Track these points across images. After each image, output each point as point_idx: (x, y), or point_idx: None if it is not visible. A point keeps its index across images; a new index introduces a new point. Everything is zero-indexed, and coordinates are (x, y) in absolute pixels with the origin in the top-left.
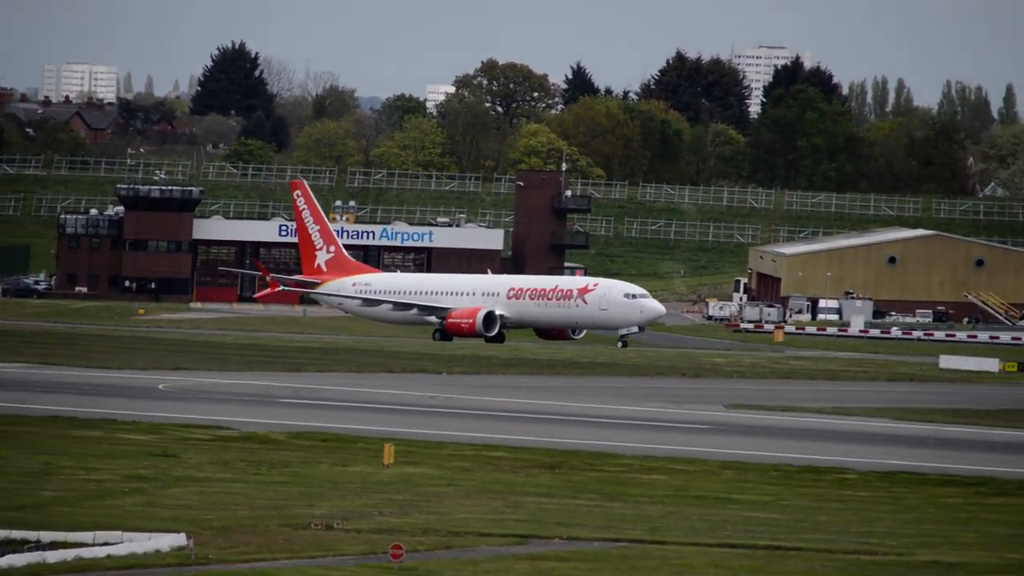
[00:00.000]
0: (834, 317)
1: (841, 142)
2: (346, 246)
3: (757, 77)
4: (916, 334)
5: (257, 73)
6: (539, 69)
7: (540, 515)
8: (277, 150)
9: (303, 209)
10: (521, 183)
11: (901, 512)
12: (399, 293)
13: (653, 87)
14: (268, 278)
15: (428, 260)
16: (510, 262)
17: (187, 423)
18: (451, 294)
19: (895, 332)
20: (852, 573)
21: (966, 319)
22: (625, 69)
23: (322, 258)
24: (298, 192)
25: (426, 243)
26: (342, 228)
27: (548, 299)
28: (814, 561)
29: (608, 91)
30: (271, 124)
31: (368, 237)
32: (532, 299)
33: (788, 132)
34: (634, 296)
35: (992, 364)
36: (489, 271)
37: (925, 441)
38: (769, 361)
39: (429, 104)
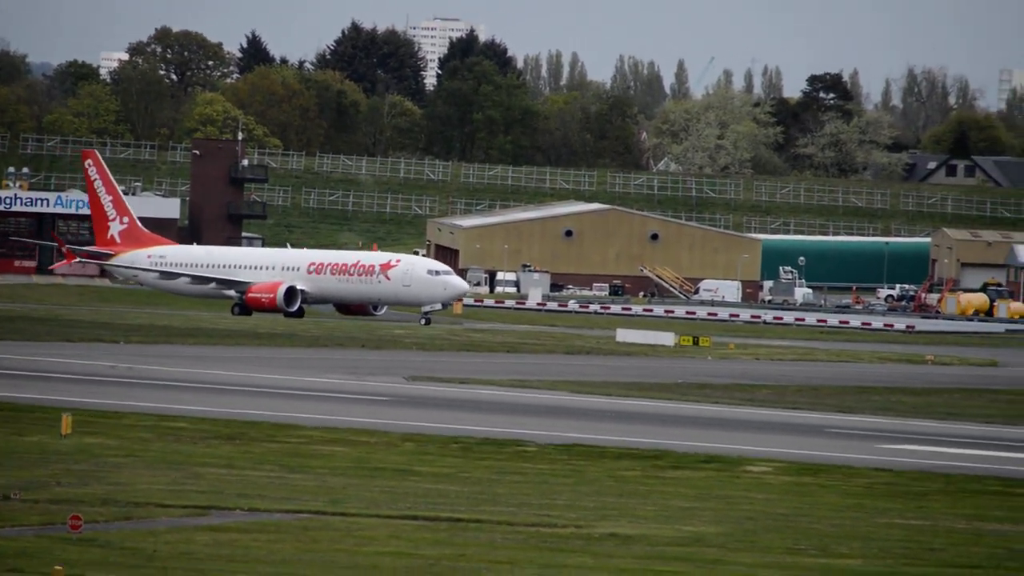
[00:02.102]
0: (512, 290)
1: (517, 115)
2: (20, 214)
3: (432, 49)
4: (593, 307)
5: None
6: (213, 37)
7: (221, 486)
8: None
9: (95, 179)
10: (197, 152)
11: (580, 484)
12: (196, 266)
13: (329, 57)
14: (64, 249)
15: None
16: (187, 232)
17: None
18: (250, 268)
19: (572, 305)
20: (532, 545)
21: (642, 293)
22: (301, 39)
23: (115, 229)
24: (89, 162)
25: None
26: (15, 195)
27: (349, 274)
28: (495, 533)
29: (284, 60)
30: None
31: (43, 204)
32: (333, 274)
33: (464, 105)
34: (437, 272)
35: (668, 338)
36: (289, 245)
37: (603, 414)
38: (448, 333)
39: (103, 71)
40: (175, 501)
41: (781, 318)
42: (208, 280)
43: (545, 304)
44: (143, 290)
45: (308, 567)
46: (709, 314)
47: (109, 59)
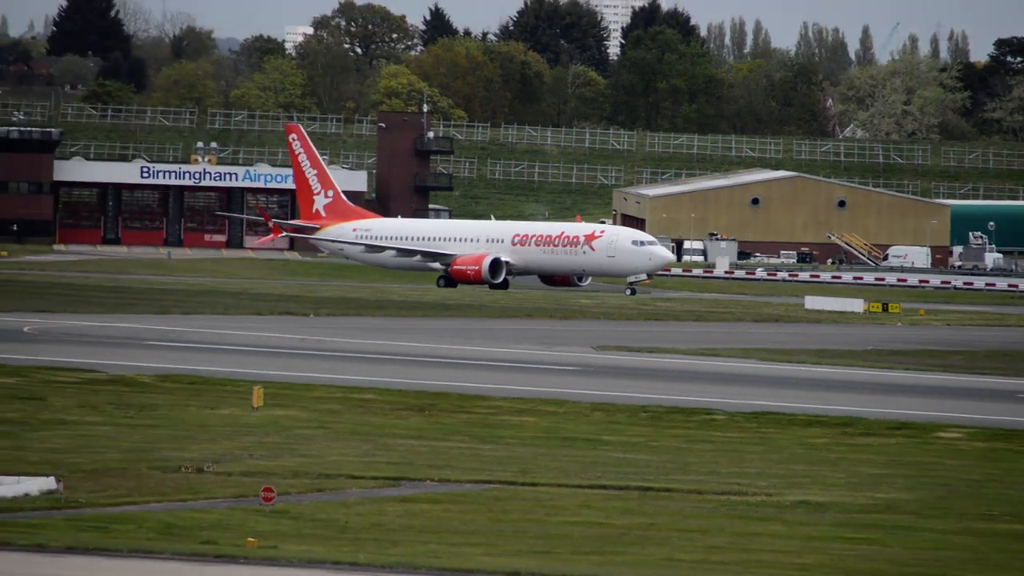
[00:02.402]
0: (699, 259)
1: (701, 84)
2: (209, 188)
3: (615, 19)
4: (781, 275)
5: (113, 13)
6: (397, 10)
7: (411, 457)
8: (136, 91)
9: (299, 153)
10: (383, 124)
11: (770, 452)
12: (401, 239)
13: (512, 28)
14: (270, 224)
15: (292, 202)
16: (375, 203)
17: (53, 366)
18: (454, 240)
19: (760, 273)
20: (723, 514)
21: (830, 260)
22: (483, 10)
23: (320, 203)
24: (294, 136)
25: (290, 185)
26: (204, 170)
27: (554, 246)
28: (684, 502)
29: (467, 32)
30: (129, 65)
31: (231, 179)
32: (538, 245)
33: (648, 74)
34: (642, 243)
35: (857, 305)
36: (492, 217)
37: (792, 381)
38: (635, 303)
39: (288, 45)
40: (366, 472)
41: (971, 283)
42: (413, 253)
43: (733, 272)
44: (330, 263)
45: (499, 537)
46: (899, 280)
47: (294, 33)
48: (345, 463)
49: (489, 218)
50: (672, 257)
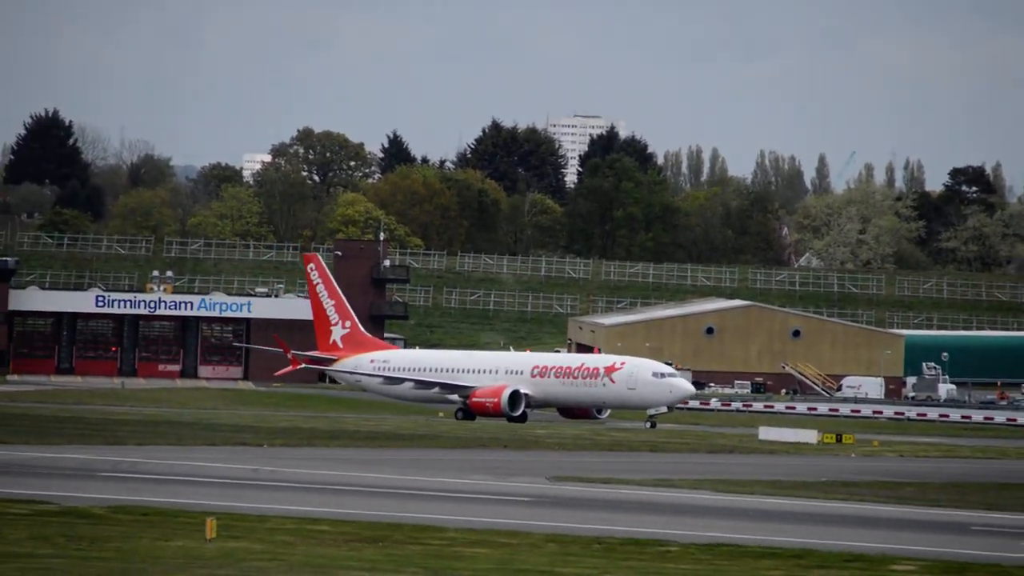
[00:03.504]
0: None
1: (657, 211)
2: (164, 317)
3: (573, 146)
4: (735, 405)
5: (71, 141)
6: (355, 138)
7: None
8: (93, 220)
9: (317, 283)
10: (339, 253)
11: None
12: (420, 371)
13: (469, 156)
14: (289, 355)
15: (247, 331)
16: None
17: (5, 498)
18: (473, 372)
19: (714, 404)
20: None
21: (784, 390)
22: (442, 137)
23: (338, 333)
24: (312, 266)
25: (244, 314)
26: (159, 299)
27: (574, 377)
28: None
29: (425, 160)
30: (86, 193)
31: (186, 308)
32: (557, 377)
33: (604, 202)
34: (663, 375)
35: (811, 436)
36: (511, 348)
37: (746, 513)
38: (591, 433)
39: (246, 173)
40: None
41: (925, 415)
42: (432, 385)
43: (687, 402)
44: (284, 392)
45: None
46: (852, 411)
47: (252, 161)
48: None
49: (508, 349)
50: (693, 389)
